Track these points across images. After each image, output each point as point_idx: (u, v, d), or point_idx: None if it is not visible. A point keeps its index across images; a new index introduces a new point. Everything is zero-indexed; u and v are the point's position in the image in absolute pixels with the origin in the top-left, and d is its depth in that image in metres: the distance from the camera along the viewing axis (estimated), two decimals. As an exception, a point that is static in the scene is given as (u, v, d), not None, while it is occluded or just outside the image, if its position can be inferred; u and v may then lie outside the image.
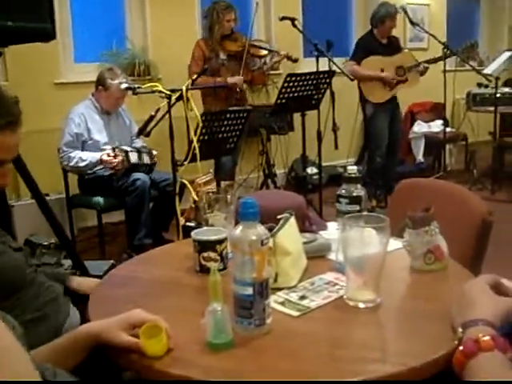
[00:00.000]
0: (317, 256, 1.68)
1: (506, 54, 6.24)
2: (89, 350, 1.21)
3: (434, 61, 5.46)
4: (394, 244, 1.67)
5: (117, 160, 4.03)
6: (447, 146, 6.58)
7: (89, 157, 4.07)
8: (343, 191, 1.65)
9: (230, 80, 4.74)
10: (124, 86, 3.86)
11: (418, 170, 6.67)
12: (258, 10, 6.10)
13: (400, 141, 5.96)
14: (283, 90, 4.30)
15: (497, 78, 5.88)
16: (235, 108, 4.32)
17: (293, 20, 4.44)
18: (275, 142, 5.85)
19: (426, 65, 5.42)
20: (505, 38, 8.84)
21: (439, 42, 5.32)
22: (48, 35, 2.28)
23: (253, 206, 1.20)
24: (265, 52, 5.04)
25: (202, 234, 1.59)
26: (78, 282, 1.86)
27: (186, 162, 3.41)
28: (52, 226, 2.58)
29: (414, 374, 1.11)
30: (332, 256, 1.65)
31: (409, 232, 1.58)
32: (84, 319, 1.55)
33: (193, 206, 3.28)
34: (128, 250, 4.09)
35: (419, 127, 6.95)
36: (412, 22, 5.60)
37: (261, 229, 1.21)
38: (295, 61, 5.02)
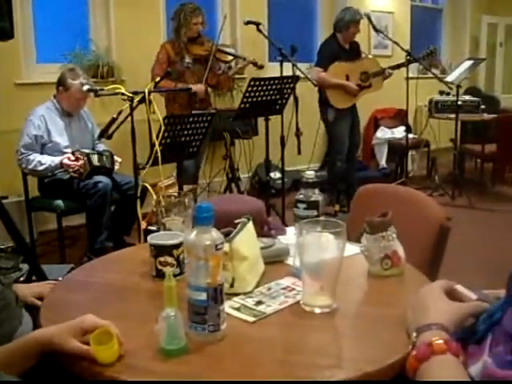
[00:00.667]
0: (275, 261, 1.67)
1: (467, 63, 6.37)
2: (39, 356, 1.18)
3: (397, 67, 5.53)
4: (352, 249, 1.68)
5: (78, 163, 3.98)
6: (410, 152, 6.67)
7: (48, 160, 4.00)
8: (301, 196, 1.66)
9: (193, 87, 4.71)
10: (86, 87, 3.82)
11: (381, 175, 6.75)
12: (224, 13, 6.14)
13: (359, 145, 6.03)
14: (247, 95, 4.30)
15: (458, 86, 5.99)
16: (198, 112, 4.30)
17: (258, 24, 4.46)
18: (239, 146, 5.85)
19: (391, 71, 5.49)
20: (466, 47, 9.02)
21: (402, 49, 5.39)
22: (5, 34, 2.23)
23: (207, 210, 1.19)
24: (230, 57, 5.03)
25: (158, 238, 1.57)
26: (21, 291, 1.80)
27: (147, 166, 3.38)
28: (8, 230, 2.52)
29: (369, 380, 1.11)
30: (290, 261, 1.64)
31: (366, 237, 1.58)
32: (36, 326, 1.51)
33: (154, 209, 3.25)
34: (89, 253, 4.03)
35: (382, 133, 7.04)
36: (376, 30, 5.67)
37: (215, 233, 1.20)
38: (261, 67, 5.03)
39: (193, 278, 1.20)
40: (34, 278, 2.45)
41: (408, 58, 5.37)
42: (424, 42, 8.33)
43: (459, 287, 1.22)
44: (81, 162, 3.98)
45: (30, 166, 4.00)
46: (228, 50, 5.10)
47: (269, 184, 4.76)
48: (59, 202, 4.04)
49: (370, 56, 5.56)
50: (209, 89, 5.13)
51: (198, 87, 4.78)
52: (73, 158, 3.99)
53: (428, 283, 1.33)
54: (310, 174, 1.67)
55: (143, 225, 3.53)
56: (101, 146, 4.37)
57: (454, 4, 9.08)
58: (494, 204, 5.96)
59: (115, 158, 4.24)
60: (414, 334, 1.11)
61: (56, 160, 3.99)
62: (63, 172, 4.04)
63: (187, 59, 4.85)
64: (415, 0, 8.53)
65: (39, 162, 3.99)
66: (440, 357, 1.02)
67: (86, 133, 4.37)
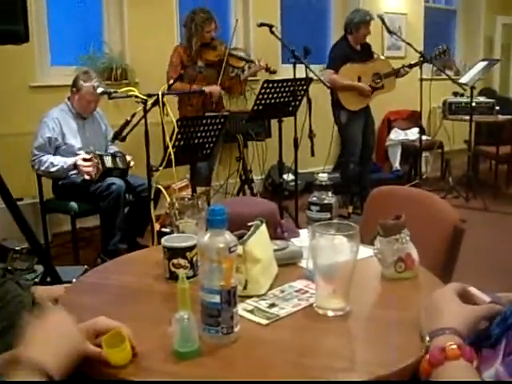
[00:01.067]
0: (288, 263, 1.67)
1: (482, 64, 6.33)
2: None
3: (410, 66, 5.51)
4: (365, 252, 1.68)
5: (92, 164, 4.00)
6: (423, 154, 6.66)
7: (60, 162, 4.03)
8: (314, 198, 1.65)
9: (207, 89, 4.73)
10: (100, 90, 3.84)
11: (394, 177, 6.73)
12: (237, 16, 6.15)
13: (373, 147, 6.00)
14: (260, 97, 4.30)
15: (472, 88, 5.97)
16: (212, 114, 4.31)
17: (271, 27, 4.46)
18: (252, 148, 5.86)
19: (407, 69, 5.48)
20: (480, 48, 8.96)
21: (415, 50, 5.38)
22: (20, 38, 2.25)
23: (221, 213, 1.19)
24: (243, 63, 5.04)
25: (172, 240, 1.58)
26: (39, 294, 1.82)
27: (161, 168, 3.40)
28: (23, 232, 2.54)
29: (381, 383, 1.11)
30: (303, 263, 1.64)
31: (380, 240, 1.58)
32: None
33: (168, 211, 3.26)
34: (102, 255, 4.05)
35: (396, 135, 7.01)
36: (389, 31, 5.66)
37: (229, 236, 1.20)
38: (273, 72, 5.03)
39: (206, 281, 1.20)
40: (48, 279, 2.47)
41: (421, 59, 5.35)
42: (438, 43, 8.28)
43: (472, 289, 1.21)
44: (94, 163, 4.01)
45: (43, 168, 4.04)
46: (240, 54, 5.10)
47: (282, 186, 4.76)
48: (73, 204, 4.07)
49: (382, 57, 5.53)
50: (222, 91, 5.14)
51: (214, 88, 4.79)
52: (87, 157, 4.02)
53: (442, 286, 1.33)
54: (323, 177, 1.66)
55: (157, 227, 3.54)
56: (113, 148, 4.40)
57: (467, 5, 9.03)
58: (509, 206, 5.91)
59: (128, 158, 4.26)
60: (427, 338, 1.10)
61: (69, 161, 4.02)
62: (77, 174, 4.07)
63: (199, 63, 4.87)
64: (428, 1, 8.51)
65: (51, 163, 4.02)
66: (453, 362, 1.01)
67: (99, 135, 4.40)
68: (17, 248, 2.93)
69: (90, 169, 4.00)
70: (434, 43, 8.06)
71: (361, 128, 5.59)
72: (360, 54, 5.53)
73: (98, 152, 4.11)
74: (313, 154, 4.36)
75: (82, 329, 1.17)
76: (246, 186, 5.46)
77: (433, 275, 1.63)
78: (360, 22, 5.44)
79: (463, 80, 6.14)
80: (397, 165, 6.97)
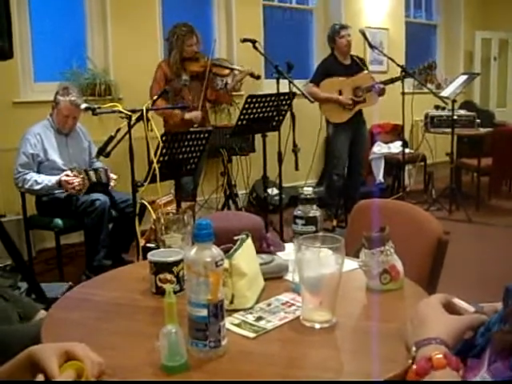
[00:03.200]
0: (274, 277, 1.68)
1: (462, 78, 6.41)
2: (32, 371, 1.16)
3: (391, 81, 5.57)
4: (351, 264, 1.69)
5: (77, 180, 3.99)
6: (406, 167, 6.70)
7: (44, 180, 4.01)
8: (299, 212, 1.66)
9: (187, 115, 4.75)
10: (84, 105, 3.83)
11: (378, 190, 6.75)
12: (220, 32, 6.19)
13: (362, 161, 6.03)
14: (244, 112, 4.32)
15: (453, 101, 6.04)
16: (196, 129, 4.32)
17: (254, 42, 4.49)
18: (236, 162, 5.87)
19: (382, 85, 5.53)
20: (461, 62, 9.10)
21: (397, 64, 5.43)
22: (5, 54, 2.26)
23: (207, 227, 1.20)
24: (227, 71, 5.05)
25: (158, 255, 1.58)
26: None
27: (145, 183, 3.39)
28: (7, 249, 2.53)
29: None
30: (289, 277, 1.65)
31: (364, 252, 1.59)
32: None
33: (153, 227, 3.26)
34: (87, 271, 4.03)
35: (379, 148, 7.06)
36: (371, 46, 5.71)
37: (215, 250, 1.21)
38: (258, 77, 5.04)
39: (193, 295, 1.21)
40: (33, 295, 2.46)
41: (403, 73, 5.41)
42: (419, 58, 8.38)
43: (456, 300, 1.23)
44: (80, 179, 3.99)
45: (27, 186, 4.01)
46: (223, 63, 5.13)
47: (266, 200, 4.77)
48: (57, 220, 4.05)
49: (365, 71, 5.59)
50: (207, 105, 5.16)
51: (194, 115, 4.80)
52: (71, 174, 4.01)
53: (427, 297, 1.34)
54: (307, 190, 1.68)
55: (142, 242, 3.53)
56: (97, 164, 4.38)
57: (447, 20, 9.18)
58: (491, 218, 5.97)
59: (111, 174, 4.26)
60: (414, 349, 1.11)
61: (53, 179, 4.00)
62: (61, 190, 4.05)
63: (184, 76, 4.87)
64: (409, 16, 8.62)
65: (35, 181, 4.00)
66: (440, 371, 1.02)
67: (82, 151, 4.39)
68: (0, 265, 2.92)
69: (75, 183, 3.98)
70: (416, 57, 8.21)
71: (347, 141, 5.65)
72: (348, 68, 5.60)
73: (82, 167, 4.11)
74: (297, 168, 4.39)
75: (57, 346, 1.14)
76: (231, 201, 5.47)
77: (418, 286, 1.64)
78: (334, 32, 5.57)
79: (444, 93, 6.21)
80: (380, 178, 7.01)
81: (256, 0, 6.52)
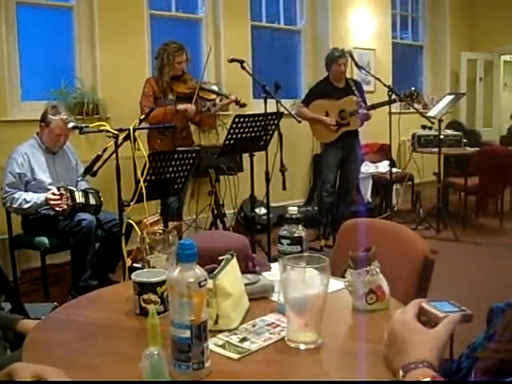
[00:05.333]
0: (259, 297, 1.67)
1: (448, 98, 6.47)
2: None
3: (381, 105, 5.61)
4: (337, 284, 1.69)
5: (62, 199, 3.96)
6: (394, 187, 6.74)
7: (33, 198, 3.99)
8: (285, 232, 1.66)
9: (181, 107, 4.75)
10: (71, 124, 3.83)
11: (365, 210, 6.77)
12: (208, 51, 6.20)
13: (354, 182, 6.02)
14: (231, 131, 4.32)
15: (440, 121, 6.09)
16: (183, 148, 4.32)
17: (241, 62, 4.51)
18: (224, 182, 5.86)
19: (366, 111, 5.57)
20: (447, 82, 9.20)
21: (384, 85, 5.48)
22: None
23: (190, 247, 1.19)
24: (214, 96, 5.06)
25: (142, 275, 1.57)
26: (28, 325, 1.81)
27: (132, 203, 3.37)
28: (-10, 268, 2.50)
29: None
30: (275, 297, 1.64)
31: (350, 272, 1.59)
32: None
33: (139, 246, 3.23)
34: (73, 291, 3.99)
35: (367, 168, 7.09)
36: (358, 66, 5.78)
37: (199, 270, 1.20)
38: (243, 106, 5.06)
39: (176, 316, 1.19)
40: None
41: (390, 93, 5.46)
42: (406, 78, 8.52)
43: (425, 305, 1.23)
44: (64, 198, 3.97)
45: (15, 205, 3.99)
46: (211, 87, 5.13)
47: (254, 220, 4.76)
48: (43, 239, 4.02)
49: (352, 96, 5.62)
50: (192, 126, 5.16)
51: (188, 106, 4.80)
52: (57, 192, 3.98)
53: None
54: (293, 210, 1.67)
55: (128, 262, 3.50)
56: (83, 184, 4.36)
57: (433, 41, 9.30)
58: (479, 236, 6.00)
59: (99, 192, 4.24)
60: (401, 373, 1.11)
61: (41, 197, 3.98)
62: (48, 209, 4.03)
63: (170, 97, 4.88)
64: (396, 37, 8.72)
65: (24, 199, 3.98)
66: None
67: (69, 170, 4.37)
68: (-16, 286, 2.87)
69: (59, 203, 3.96)
70: (402, 77, 8.30)
71: (336, 160, 5.69)
72: (341, 91, 5.65)
73: (68, 187, 4.08)
74: (284, 188, 4.39)
75: (35, 366, 1.11)
76: (219, 220, 5.45)
77: (404, 306, 1.63)
78: (331, 59, 5.63)
79: (431, 113, 6.27)
80: (368, 197, 7.03)
81: (244, 20, 6.57)
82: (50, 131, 4.16)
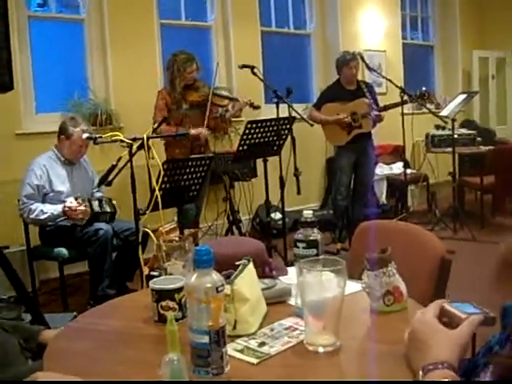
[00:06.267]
0: (277, 301, 1.67)
1: (461, 97, 6.43)
2: None
3: (394, 106, 5.59)
4: (354, 286, 1.68)
5: (80, 208, 3.99)
6: (409, 188, 6.70)
7: (50, 209, 4.02)
8: (300, 235, 1.66)
9: (193, 131, 4.76)
10: (85, 135, 3.87)
11: (381, 211, 6.75)
12: (219, 58, 6.24)
13: (368, 184, 5.99)
14: (244, 137, 4.34)
15: (453, 120, 6.05)
16: (197, 156, 4.34)
17: (252, 68, 4.53)
18: (239, 188, 5.87)
19: (378, 113, 5.55)
20: (459, 81, 9.15)
21: (396, 86, 5.46)
22: (6, 86, 2.27)
23: (207, 252, 1.20)
24: (227, 101, 5.07)
25: (159, 283, 1.58)
26: (49, 335, 1.83)
27: (148, 211, 3.39)
28: (10, 281, 2.52)
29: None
30: (292, 301, 1.64)
31: (367, 274, 1.59)
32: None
33: (156, 254, 3.25)
34: (91, 301, 4.02)
35: (381, 169, 7.06)
36: (369, 68, 5.78)
37: (216, 276, 1.21)
38: (257, 107, 5.06)
39: (194, 321, 1.20)
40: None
41: (402, 94, 5.44)
42: (417, 78, 8.49)
43: (447, 306, 1.22)
44: (82, 208, 4.00)
45: (32, 216, 4.02)
46: (224, 93, 5.15)
47: (270, 225, 4.77)
48: (61, 250, 4.05)
49: (364, 98, 5.60)
50: (208, 131, 5.18)
51: (199, 131, 4.81)
52: (75, 202, 4.01)
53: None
54: (308, 214, 1.68)
55: (145, 270, 3.51)
56: (98, 193, 4.40)
57: (444, 40, 9.26)
58: (496, 236, 5.94)
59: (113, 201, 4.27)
60: (421, 373, 1.10)
61: (58, 208, 4.01)
62: (64, 220, 4.06)
63: (184, 106, 4.90)
64: (406, 38, 8.70)
65: (41, 210, 4.01)
66: None
67: (86, 181, 4.40)
68: (3, 297, 2.90)
69: (78, 212, 3.99)
70: (414, 78, 8.28)
71: (350, 163, 5.65)
72: (351, 94, 5.62)
73: (86, 196, 4.12)
74: (299, 192, 4.39)
75: (56, 377, 1.13)
76: (234, 227, 5.46)
77: (422, 307, 1.63)
78: (342, 62, 5.60)
79: (444, 113, 6.23)
80: (383, 199, 7.00)
81: (254, 26, 6.59)
82: (72, 143, 4.19)
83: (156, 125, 3.89)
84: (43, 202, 4.09)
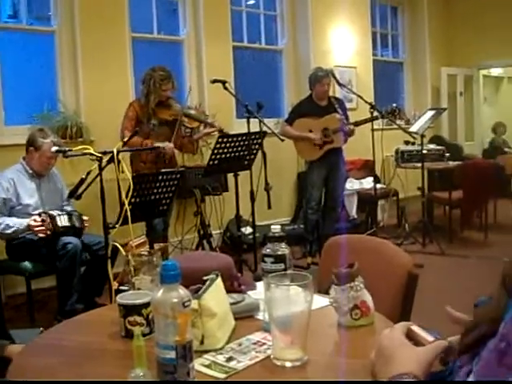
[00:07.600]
0: (245, 316, 1.67)
1: (430, 113, 6.55)
2: None
3: (364, 122, 5.65)
4: (322, 301, 1.69)
5: (44, 225, 3.94)
6: (379, 202, 6.77)
7: (16, 223, 3.96)
8: (268, 250, 1.67)
9: (160, 145, 4.70)
10: (54, 148, 3.82)
11: (351, 226, 6.80)
12: (191, 73, 6.25)
13: (338, 199, 6.02)
14: (216, 151, 4.34)
15: (422, 136, 6.14)
16: (167, 170, 4.32)
17: (224, 83, 4.55)
18: (210, 202, 5.86)
19: (351, 127, 5.62)
20: (428, 97, 9.31)
21: (366, 102, 5.54)
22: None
23: (173, 268, 1.19)
24: (197, 123, 5.06)
25: (126, 297, 1.57)
26: (15, 351, 1.80)
27: (117, 225, 3.37)
28: (-25, 295, 2.49)
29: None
30: (260, 316, 1.65)
31: (334, 288, 1.60)
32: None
33: (125, 269, 3.22)
34: (59, 316, 3.96)
35: (351, 184, 7.13)
36: (339, 84, 5.85)
37: (182, 291, 1.20)
38: (226, 135, 5.04)
39: (161, 337, 1.20)
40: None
41: (371, 110, 5.51)
42: (387, 94, 8.62)
43: (415, 328, 1.23)
44: (46, 223, 3.95)
45: (-2, 230, 3.95)
46: (195, 115, 5.13)
47: (240, 239, 4.76)
48: (27, 265, 3.99)
49: (335, 113, 5.65)
50: (175, 149, 5.15)
51: (167, 145, 4.78)
52: (38, 219, 3.96)
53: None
54: (275, 228, 1.69)
55: (114, 285, 3.48)
56: (68, 208, 4.35)
57: (413, 57, 9.44)
58: (464, 249, 6.04)
59: (84, 217, 4.22)
60: None
61: (24, 222, 3.96)
62: (32, 233, 4.00)
63: (153, 121, 4.85)
64: (377, 54, 8.83)
65: (7, 225, 3.95)
66: None
67: (55, 193, 4.35)
68: (-32, 313, 2.85)
69: (42, 229, 3.94)
70: (384, 94, 8.39)
71: (321, 178, 5.72)
72: (324, 109, 5.69)
73: (51, 212, 4.05)
74: (269, 207, 4.40)
75: None
76: (205, 241, 5.44)
77: (389, 321, 1.64)
78: (314, 79, 5.68)
79: (413, 129, 6.33)
80: (354, 213, 7.06)
81: (226, 41, 6.62)
82: (42, 155, 4.15)
83: (127, 135, 3.87)
84: (10, 215, 4.03)
